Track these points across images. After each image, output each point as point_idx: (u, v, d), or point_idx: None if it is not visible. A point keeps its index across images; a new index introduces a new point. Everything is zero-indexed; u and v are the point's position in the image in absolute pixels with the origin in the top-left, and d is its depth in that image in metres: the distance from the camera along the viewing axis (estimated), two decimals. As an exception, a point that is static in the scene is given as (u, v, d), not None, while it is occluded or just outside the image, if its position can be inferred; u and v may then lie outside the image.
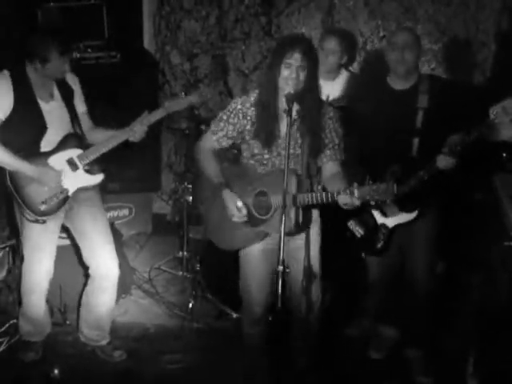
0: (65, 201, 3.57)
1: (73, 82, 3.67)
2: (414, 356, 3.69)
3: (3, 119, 3.43)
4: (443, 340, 3.82)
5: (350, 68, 4.83)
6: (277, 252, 3.03)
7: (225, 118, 3.11)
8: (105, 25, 4.97)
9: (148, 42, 5.61)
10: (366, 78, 4.72)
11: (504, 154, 4.08)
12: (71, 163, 3.57)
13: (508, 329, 3.51)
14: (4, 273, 4.35)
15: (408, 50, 3.37)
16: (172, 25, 5.52)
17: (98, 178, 3.67)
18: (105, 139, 3.63)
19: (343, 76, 4.35)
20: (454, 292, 4.25)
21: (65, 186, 3.56)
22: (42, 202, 3.50)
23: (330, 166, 3.12)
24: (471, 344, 3.57)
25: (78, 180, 3.59)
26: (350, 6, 5.04)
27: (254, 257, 3.17)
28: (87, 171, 3.62)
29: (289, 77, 2.90)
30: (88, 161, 3.60)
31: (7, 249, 4.26)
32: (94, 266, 3.73)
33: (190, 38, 5.49)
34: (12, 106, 3.43)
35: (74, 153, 3.58)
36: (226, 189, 3.08)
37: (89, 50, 4.97)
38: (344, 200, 2.83)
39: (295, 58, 2.88)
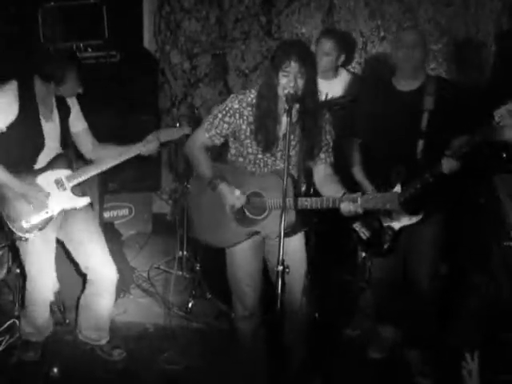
0: (48, 221, 3.53)
1: (71, 101, 3.64)
2: (414, 356, 3.69)
3: (4, 129, 3.38)
4: (443, 340, 3.81)
5: (350, 68, 4.83)
6: (264, 245, 3.14)
7: (220, 116, 3.10)
8: (105, 24, 4.97)
9: (148, 42, 5.61)
10: (370, 79, 4.71)
11: (504, 155, 4.08)
12: (59, 183, 3.55)
13: (509, 329, 3.51)
14: (3, 272, 4.35)
15: (417, 49, 3.37)
16: (172, 24, 5.53)
17: (85, 200, 3.64)
18: (104, 158, 3.62)
19: (343, 76, 4.35)
20: (454, 292, 4.25)
21: (50, 206, 3.53)
22: (26, 220, 3.47)
23: (322, 169, 3.14)
24: (471, 344, 3.57)
25: (64, 201, 3.57)
26: (351, 6, 5.04)
27: (243, 251, 3.17)
28: (74, 193, 3.59)
29: (287, 84, 2.91)
30: (76, 182, 3.58)
31: (6, 248, 4.26)
32: (92, 275, 3.71)
33: (190, 37, 5.49)
34: (15, 118, 3.39)
35: (63, 173, 3.56)
36: (222, 182, 3.09)
37: (89, 49, 4.96)
38: (347, 207, 2.87)
39: (292, 66, 2.88)
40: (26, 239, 3.50)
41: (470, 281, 4.33)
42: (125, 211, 5.40)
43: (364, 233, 3.59)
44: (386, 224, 3.53)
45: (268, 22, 5.26)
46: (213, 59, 5.48)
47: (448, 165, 3.27)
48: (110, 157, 3.63)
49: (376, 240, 3.56)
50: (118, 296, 4.35)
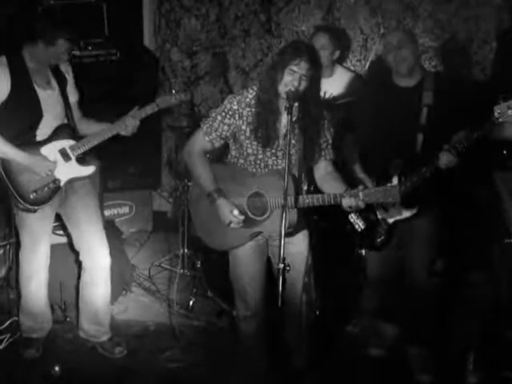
0: (56, 191, 3.58)
1: (66, 70, 3.66)
2: (414, 353, 3.69)
3: None
4: (443, 337, 3.82)
5: (350, 66, 4.83)
6: (266, 246, 3.15)
7: (219, 118, 3.07)
8: (105, 23, 4.98)
9: (148, 40, 5.62)
10: (371, 75, 4.72)
11: (504, 152, 4.08)
12: (64, 153, 3.58)
13: (508, 326, 3.51)
14: (5, 270, 4.35)
15: (404, 48, 3.40)
16: (172, 22, 5.53)
17: (90, 169, 3.67)
18: (96, 131, 3.63)
19: (340, 73, 4.34)
20: (454, 290, 4.25)
21: (57, 176, 3.56)
22: (33, 191, 3.51)
23: (323, 166, 3.14)
24: (471, 342, 3.57)
25: (70, 170, 3.60)
26: (351, 4, 5.04)
27: (246, 253, 3.17)
28: (79, 162, 3.62)
29: (291, 83, 2.90)
30: (80, 152, 3.60)
31: (8, 246, 4.26)
32: (84, 254, 3.74)
33: (190, 35, 5.50)
34: (9, 91, 3.41)
35: (66, 143, 3.58)
36: (221, 197, 3.07)
37: (89, 47, 4.97)
38: (349, 203, 2.89)
39: (300, 67, 2.87)
40: (36, 210, 3.53)
41: (470, 278, 4.33)
42: (125, 209, 5.42)
43: (359, 224, 3.59)
44: (380, 217, 3.54)
45: (268, 19, 5.26)
46: (213, 57, 5.49)
47: (445, 159, 3.28)
48: (95, 130, 3.62)
49: (370, 232, 3.57)
50: (118, 294, 4.37)
